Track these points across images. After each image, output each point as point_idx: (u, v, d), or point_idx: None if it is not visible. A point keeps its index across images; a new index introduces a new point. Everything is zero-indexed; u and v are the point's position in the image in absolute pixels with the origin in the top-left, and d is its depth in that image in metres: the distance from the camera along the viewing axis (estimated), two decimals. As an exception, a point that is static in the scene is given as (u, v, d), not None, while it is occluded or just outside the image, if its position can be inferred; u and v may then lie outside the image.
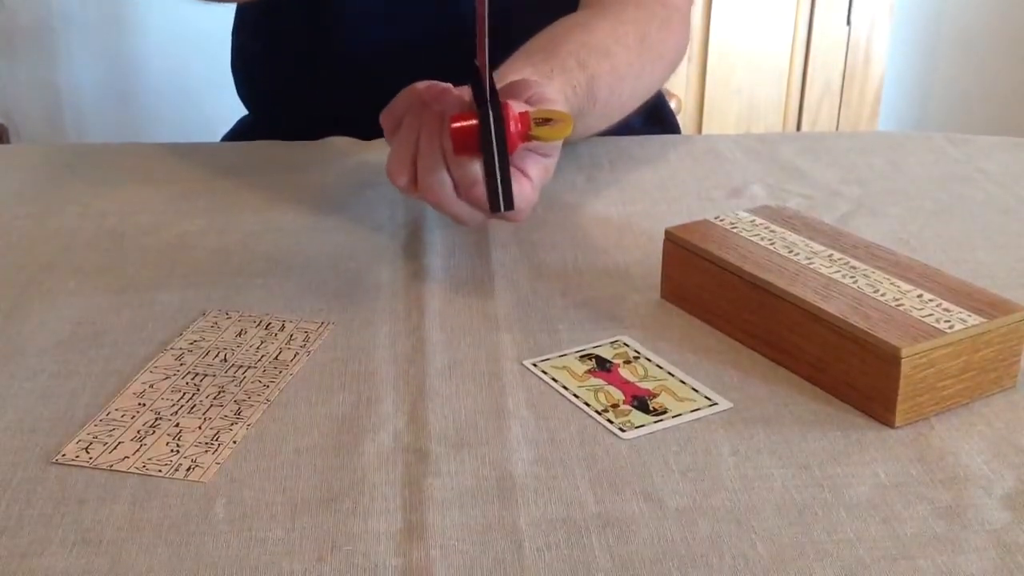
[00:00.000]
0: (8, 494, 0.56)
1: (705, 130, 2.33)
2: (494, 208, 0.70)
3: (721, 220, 0.75)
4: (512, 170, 0.71)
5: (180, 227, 0.86)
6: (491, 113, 0.69)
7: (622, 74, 0.90)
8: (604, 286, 0.77)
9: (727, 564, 0.52)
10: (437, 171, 0.72)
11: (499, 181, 0.70)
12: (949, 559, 0.52)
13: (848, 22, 2.34)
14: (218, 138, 1.19)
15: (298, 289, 0.76)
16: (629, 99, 0.94)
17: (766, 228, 0.74)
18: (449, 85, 0.76)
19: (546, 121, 0.72)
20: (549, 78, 0.82)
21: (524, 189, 0.73)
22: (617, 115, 0.95)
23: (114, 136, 2.27)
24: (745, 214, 0.76)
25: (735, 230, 0.74)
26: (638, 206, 0.89)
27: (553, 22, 0.92)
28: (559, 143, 0.75)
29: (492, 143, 0.69)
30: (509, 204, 0.70)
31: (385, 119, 0.77)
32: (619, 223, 0.86)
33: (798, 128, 2.40)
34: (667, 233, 0.74)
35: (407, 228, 0.86)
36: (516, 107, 0.72)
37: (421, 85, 0.76)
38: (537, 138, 0.71)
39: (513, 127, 0.70)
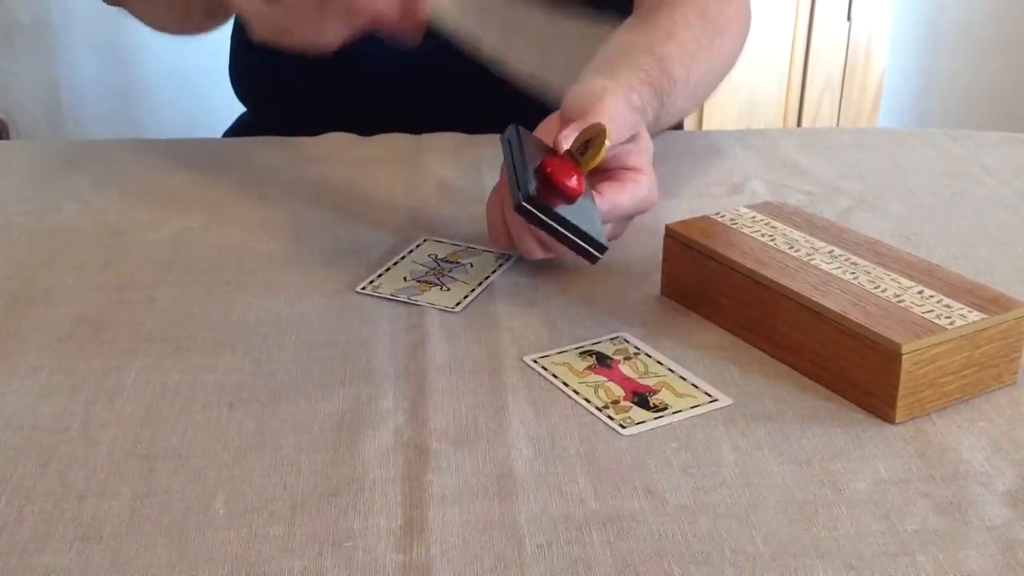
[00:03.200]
0: (8, 490, 0.56)
1: (705, 126, 2.33)
2: (594, 261, 0.71)
3: (722, 216, 0.75)
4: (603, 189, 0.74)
5: (180, 223, 0.86)
6: (530, 210, 0.69)
7: (691, 50, 0.90)
8: (604, 282, 0.77)
9: (727, 560, 0.52)
10: (528, 242, 0.75)
11: (579, 244, 0.70)
12: (949, 555, 0.52)
13: (849, 18, 2.34)
14: (219, 134, 1.19)
15: (298, 285, 0.76)
16: (708, 74, 0.94)
17: (767, 224, 0.74)
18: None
19: (586, 144, 0.71)
20: (614, 75, 0.81)
21: (619, 199, 0.74)
22: (705, 91, 0.95)
23: (114, 132, 2.27)
24: (746, 210, 0.76)
25: (736, 226, 0.73)
26: (638, 202, 0.89)
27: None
28: (638, 131, 0.77)
29: (552, 229, 0.70)
30: (602, 249, 0.70)
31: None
32: (619, 219, 0.86)
33: (798, 124, 2.40)
34: (667, 229, 0.74)
35: (407, 224, 0.86)
36: (563, 143, 0.72)
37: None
38: (585, 169, 0.71)
39: (567, 181, 0.70)
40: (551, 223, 0.69)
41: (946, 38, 2.54)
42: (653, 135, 0.81)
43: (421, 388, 0.65)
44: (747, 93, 2.34)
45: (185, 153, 1.01)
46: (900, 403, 0.61)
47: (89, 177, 0.95)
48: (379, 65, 1.08)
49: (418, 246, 0.81)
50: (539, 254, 0.75)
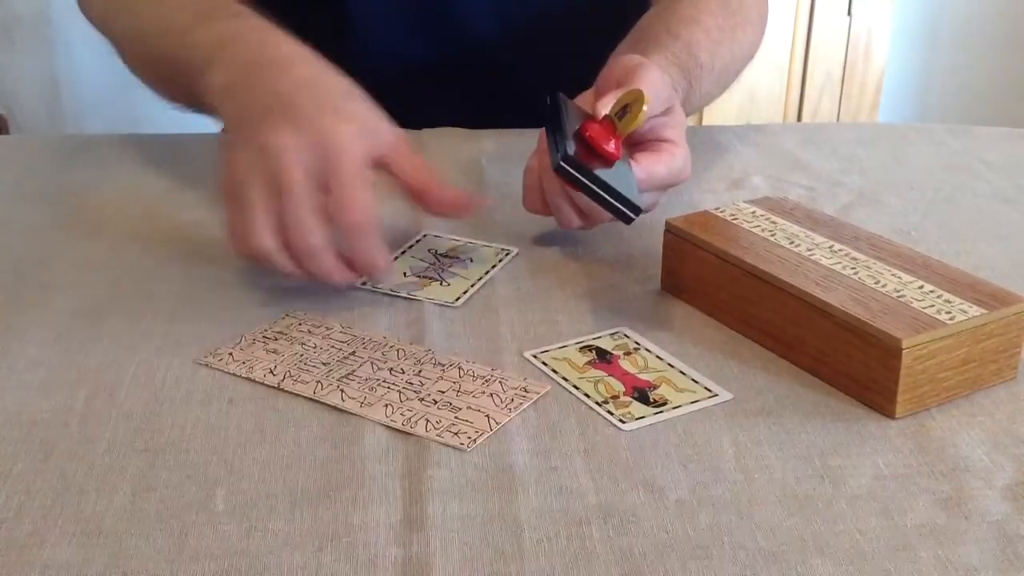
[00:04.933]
0: (8, 485, 0.56)
1: (705, 121, 2.33)
2: (629, 222, 0.72)
3: (722, 211, 0.75)
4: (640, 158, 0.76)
5: (179, 218, 0.86)
6: (567, 171, 0.70)
7: (716, 38, 0.92)
8: (604, 277, 0.77)
9: (727, 555, 0.52)
10: (565, 210, 0.77)
11: (615, 205, 0.71)
12: (949, 550, 0.52)
13: (849, 13, 2.34)
14: (218, 129, 1.19)
15: (297, 281, 0.76)
16: (732, 61, 0.96)
17: (767, 219, 0.74)
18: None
19: (625, 109, 0.73)
20: (643, 53, 0.83)
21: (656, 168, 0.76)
22: (728, 79, 0.96)
23: (113, 127, 2.26)
24: (746, 205, 0.76)
25: (736, 221, 0.73)
26: (638, 197, 0.89)
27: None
28: (672, 105, 0.78)
29: (588, 189, 0.71)
30: (637, 210, 0.71)
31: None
32: (619, 214, 0.86)
33: (798, 120, 2.39)
34: (667, 224, 0.74)
35: (407, 220, 0.85)
36: (601, 109, 0.73)
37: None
38: (624, 132, 0.72)
39: (605, 145, 0.72)
40: (588, 183, 0.70)
41: (946, 34, 2.53)
42: None
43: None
44: (747, 89, 2.34)
45: (184, 148, 1.01)
46: (900, 398, 0.61)
47: (88, 172, 0.95)
48: (378, 65, 1.08)
49: (417, 241, 0.81)
50: (575, 222, 0.77)
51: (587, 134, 0.72)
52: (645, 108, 0.72)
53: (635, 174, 0.74)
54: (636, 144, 0.77)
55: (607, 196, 0.71)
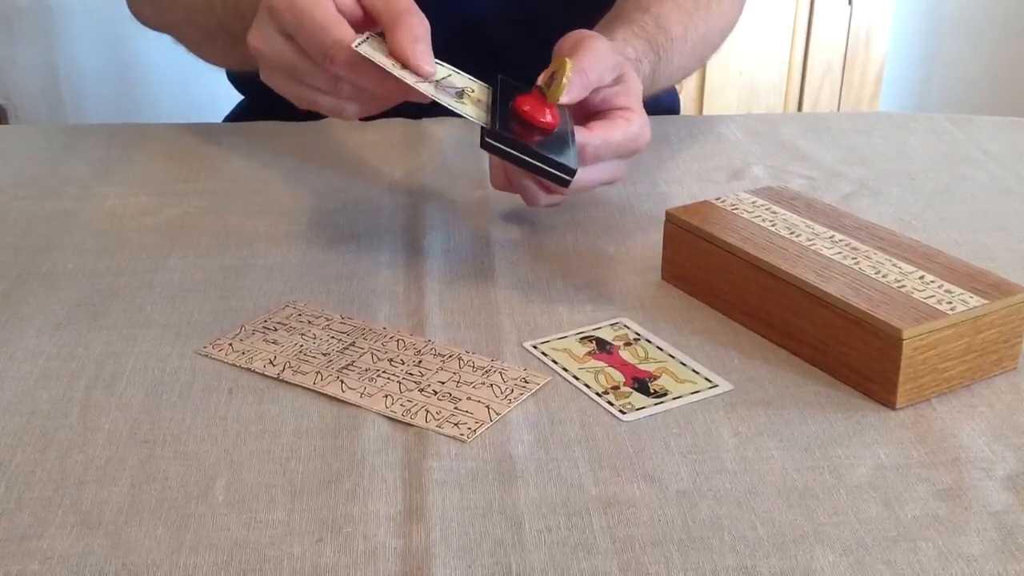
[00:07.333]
0: (7, 476, 0.56)
1: (706, 111, 2.32)
2: (565, 185, 0.72)
3: (722, 201, 0.75)
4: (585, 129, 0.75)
5: (179, 208, 0.86)
6: (493, 144, 0.70)
7: (690, 10, 0.92)
8: (605, 268, 0.77)
9: (727, 546, 0.52)
10: (531, 188, 0.77)
11: (546, 170, 0.71)
12: (950, 541, 0.52)
13: (850, 3, 2.33)
14: (218, 120, 1.18)
15: (297, 270, 0.76)
16: (707, 33, 0.96)
17: (767, 209, 0.73)
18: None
19: (552, 77, 0.73)
20: (611, 30, 0.83)
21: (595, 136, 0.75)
22: (704, 51, 0.97)
23: (113, 117, 2.26)
24: (746, 195, 0.76)
25: (736, 211, 0.73)
26: (639, 187, 0.88)
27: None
28: (624, 72, 0.78)
29: (517, 159, 0.71)
30: (570, 172, 0.71)
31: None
32: (619, 204, 0.86)
33: (799, 110, 2.39)
34: (668, 215, 0.74)
35: (406, 209, 0.85)
36: (539, 82, 0.74)
37: None
38: (553, 100, 0.73)
39: (539, 116, 0.72)
40: (515, 153, 0.71)
41: (947, 23, 2.53)
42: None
43: (421, 374, 0.65)
44: (748, 78, 2.34)
45: (184, 138, 1.01)
46: (901, 389, 0.61)
47: (88, 162, 0.95)
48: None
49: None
50: (542, 199, 0.77)
51: (521, 108, 0.73)
52: (569, 74, 0.72)
53: (590, 141, 0.74)
54: (592, 115, 0.77)
55: (536, 163, 0.71)
